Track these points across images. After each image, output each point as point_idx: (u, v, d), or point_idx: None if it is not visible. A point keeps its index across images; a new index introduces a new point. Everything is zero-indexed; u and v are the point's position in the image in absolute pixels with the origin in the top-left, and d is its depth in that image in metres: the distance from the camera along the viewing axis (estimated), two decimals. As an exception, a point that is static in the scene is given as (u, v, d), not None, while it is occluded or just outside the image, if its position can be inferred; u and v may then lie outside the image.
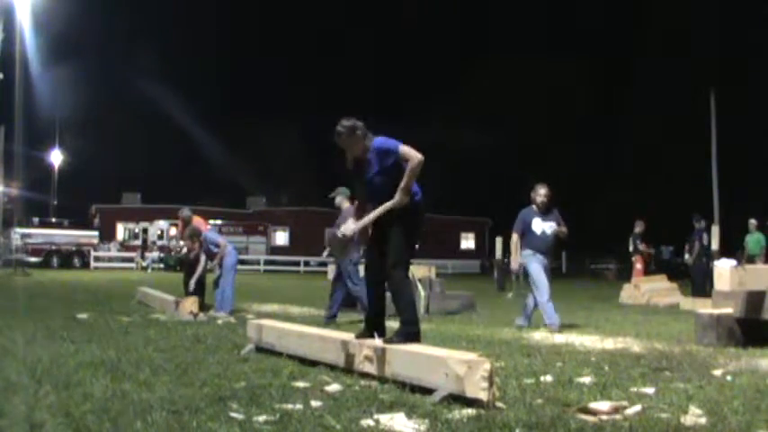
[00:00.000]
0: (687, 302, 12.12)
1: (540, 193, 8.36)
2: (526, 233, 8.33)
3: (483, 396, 3.71)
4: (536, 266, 8.23)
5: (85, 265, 31.60)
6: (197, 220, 10.42)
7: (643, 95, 37.43)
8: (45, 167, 44.49)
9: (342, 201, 8.82)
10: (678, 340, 7.06)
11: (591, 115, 43.20)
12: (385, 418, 3.47)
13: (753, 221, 15.61)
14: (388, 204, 4.72)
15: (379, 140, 4.84)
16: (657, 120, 39.30)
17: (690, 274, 15.18)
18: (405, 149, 4.73)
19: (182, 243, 10.99)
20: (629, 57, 39.43)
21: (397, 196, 4.70)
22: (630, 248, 15.20)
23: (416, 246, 5.06)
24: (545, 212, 8.37)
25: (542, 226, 8.32)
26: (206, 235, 9.89)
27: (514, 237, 8.38)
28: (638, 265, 15.23)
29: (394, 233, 4.78)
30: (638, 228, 15.05)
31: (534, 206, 8.41)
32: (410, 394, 4.00)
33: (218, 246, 9.76)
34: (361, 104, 51.32)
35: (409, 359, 4.25)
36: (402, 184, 4.69)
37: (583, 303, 13.09)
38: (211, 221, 13.19)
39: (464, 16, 52.29)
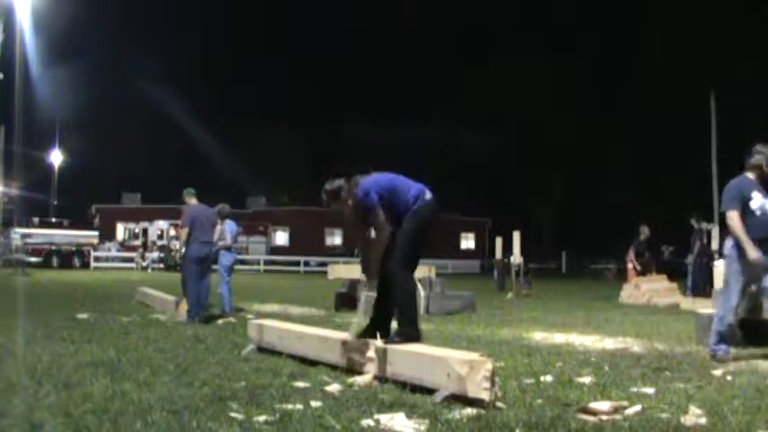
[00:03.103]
0: (687, 302, 12.12)
1: None
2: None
3: (485, 396, 3.72)
4: (744, 262, 5.58)
5: (85, 265, 31.56)
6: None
7: (643, 95, 37.38)
8: (45, 167, 44.48)
9: (189, 199, 9.15)
10: (678, 340, 7.07)
11: (591, 115, 43.16)
12: (385, 418, 3.48)
13: None
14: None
15: (359, 195, 4.86)
16: (657, 120, 39.27)
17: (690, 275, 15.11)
18: (375, 222, 4.81)
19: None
20: (629, 57, 39.37)
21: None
22: (631, 252, 15.17)
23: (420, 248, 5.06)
24: (766, 186, 5.83)
25: (764, 203, 5.69)
26: (230, 223, 9.98)
27: (734, 215, 5.62)
28: (630, 265, 15.22)
29: (399, 235, 4.85)
30: (643, 235, 14.99)
31: (752, 175, 5.80)
32: (410, 394, 4.01)
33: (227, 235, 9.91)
34: (362, 104, 51.32)
35: (411, 359, 4.25)
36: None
37: (583, 303, 13.08)
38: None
39: (464, 16, 52.24)
